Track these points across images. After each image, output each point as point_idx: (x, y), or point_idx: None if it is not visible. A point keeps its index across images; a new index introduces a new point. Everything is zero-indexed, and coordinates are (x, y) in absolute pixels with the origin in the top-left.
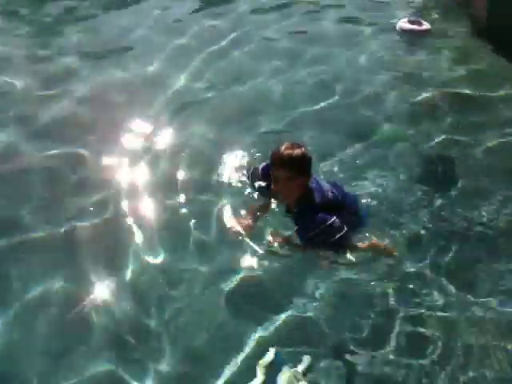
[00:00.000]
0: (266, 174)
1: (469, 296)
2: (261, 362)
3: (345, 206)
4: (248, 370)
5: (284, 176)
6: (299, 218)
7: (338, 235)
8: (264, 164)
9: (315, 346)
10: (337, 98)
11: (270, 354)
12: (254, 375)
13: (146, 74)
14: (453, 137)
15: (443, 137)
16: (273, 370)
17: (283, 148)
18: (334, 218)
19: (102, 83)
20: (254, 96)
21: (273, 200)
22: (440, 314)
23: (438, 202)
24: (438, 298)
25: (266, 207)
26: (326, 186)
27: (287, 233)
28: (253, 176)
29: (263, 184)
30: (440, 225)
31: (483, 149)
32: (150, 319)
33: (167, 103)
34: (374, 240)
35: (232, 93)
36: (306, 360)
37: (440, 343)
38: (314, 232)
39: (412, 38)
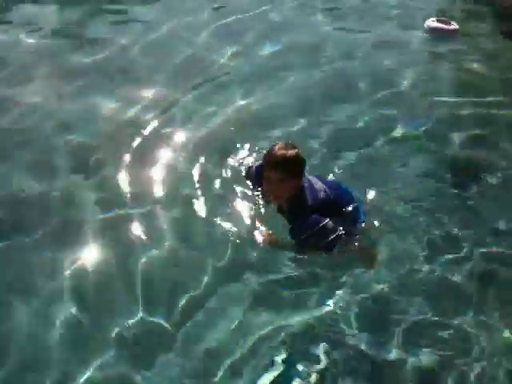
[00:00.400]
0: (259, 174)
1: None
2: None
3: (339, 206)
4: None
5: (276, 177)
6: (291, 219)
7: (331, 237)
8: (258, 164)
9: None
10: (359, 95)
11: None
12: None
13: None
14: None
15: (463, 138)
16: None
17: (276, 149)
18: (327, 219)
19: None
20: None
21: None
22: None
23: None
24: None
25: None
26: (319, 185)
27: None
28: (247, 175)
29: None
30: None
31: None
32: (162, 316)
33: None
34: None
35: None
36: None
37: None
38: (306, 234)
39: (439, 37)
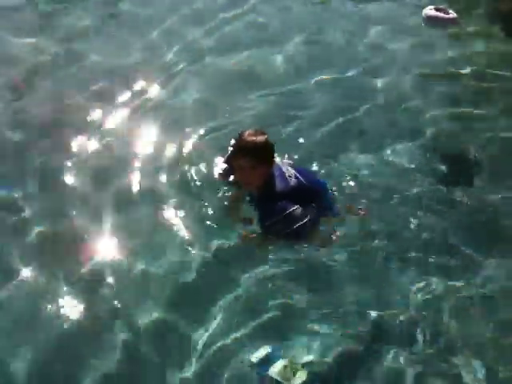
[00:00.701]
0: (229, 163)
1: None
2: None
3: (310, 194)
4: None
5: (247, 164)
6: (260, 206)
7: (298, 224)
8: (228, 154)
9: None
10: (354, 78)
11: (264, 349)
12: None
13: None
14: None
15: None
16: (266, 363)
17: (246, 135)
18: (296, 206)
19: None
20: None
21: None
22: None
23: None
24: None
25: (238, 195)
26: (290, 172)
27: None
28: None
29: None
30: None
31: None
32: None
33: None
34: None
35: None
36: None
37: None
38: (272, 220)
39: (437, 26)
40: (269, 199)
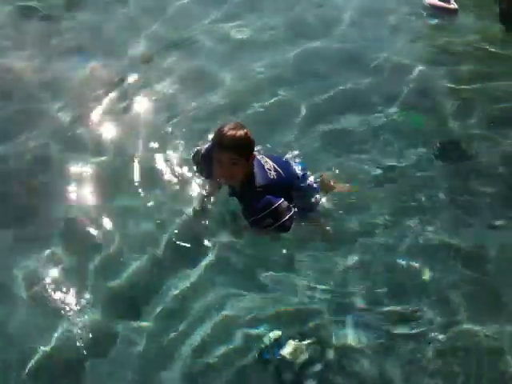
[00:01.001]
0: (208, 157)
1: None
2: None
3: (291, 185)
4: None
5: (227, 159)
6: (244, 200)
7: (285, 217)
8: (207, 146)
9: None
10: (354, 68)
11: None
12: None
13: None
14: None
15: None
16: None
17: (226, 129)
18: (281, 200)
19: None
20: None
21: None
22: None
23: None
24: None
25: (212, 190)
26: (269, 164)
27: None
28: (194, 160)
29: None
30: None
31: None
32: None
33: None
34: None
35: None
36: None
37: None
38: (261, 214)
39: (436, 14)
40: (252, 193)
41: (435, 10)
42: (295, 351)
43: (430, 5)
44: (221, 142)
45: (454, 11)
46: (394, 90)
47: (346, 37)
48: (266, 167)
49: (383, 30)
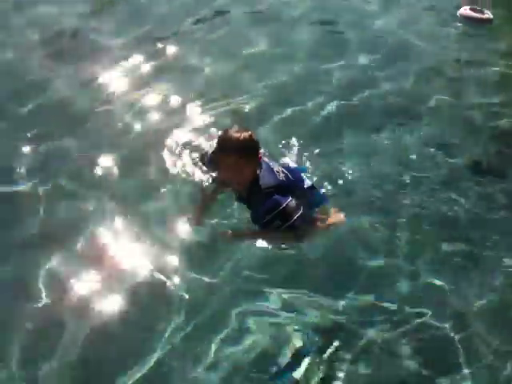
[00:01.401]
0: (213, 163)
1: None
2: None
3: (298, 188)
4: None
5: (233, 161)
6: (252, 203)
7: (295, 217)
8: (211, 151)
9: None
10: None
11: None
12: None
13: None
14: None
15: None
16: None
17: (230, 133)
18: (289, 199)
19: None
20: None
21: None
22: None
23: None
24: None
25: (213, 196)
26: (278, 168)
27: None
28: (202, 161)
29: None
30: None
31: None
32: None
33: None
34: (331, 219)
35: None
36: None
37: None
38: (269, 216)
39: (471, 25)
40: (260, 195)
41: (469, 21)
42: (308, 371)
43: (463, 16)
44: (225, 144)
45: (487, 21)
46: (423, 98)
47: (380, 45)
48: (274, 169)
49: (416, 40)
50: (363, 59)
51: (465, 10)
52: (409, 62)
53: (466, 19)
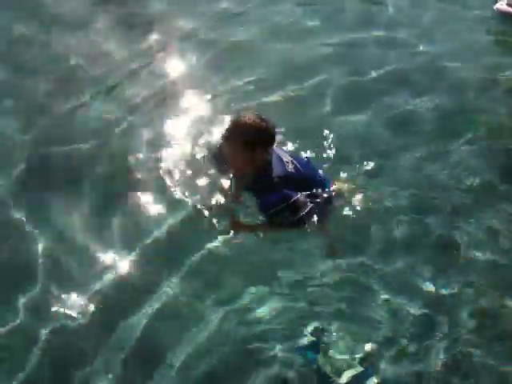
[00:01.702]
0: (220, 154)
1: None
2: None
3: (307, 181)
4: None
5: (240, 147)
6: (259, 193)
7: (303, 212)
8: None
9: None
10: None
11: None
12: None
13: None
14: None
15: None
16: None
17: (241, 117)
18: (298, 194)
19: None
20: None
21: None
22: None
23: None
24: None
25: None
26: (288, 158)
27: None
28: (210, 155)
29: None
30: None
31: None
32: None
33: None
34: None
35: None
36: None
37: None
38: (276, 209)
39: (507, 20)
40: (267, 184)
41: (506, 16)
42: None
43: (500, 11)
44: (234, 128)
45: None
46: (458, 96)
47: (414, 40)
48: (284, 160)
49: (453, 36)
50: None
51: (501, 5)
52: None
53: (503, 14)
